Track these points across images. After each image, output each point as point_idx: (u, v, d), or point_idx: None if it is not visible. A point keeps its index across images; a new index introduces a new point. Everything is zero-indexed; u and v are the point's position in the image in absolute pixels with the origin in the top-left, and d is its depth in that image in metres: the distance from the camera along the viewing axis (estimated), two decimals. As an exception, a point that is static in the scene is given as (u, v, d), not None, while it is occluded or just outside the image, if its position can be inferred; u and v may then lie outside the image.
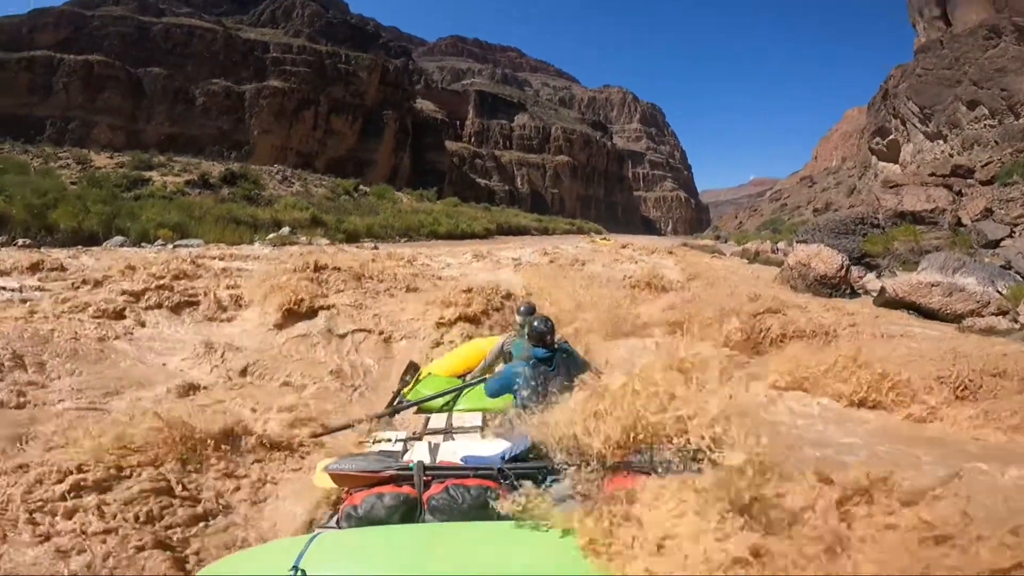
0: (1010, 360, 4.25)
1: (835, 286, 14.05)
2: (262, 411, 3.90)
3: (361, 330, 6.61)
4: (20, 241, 14.65)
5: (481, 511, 1.82)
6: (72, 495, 2.56)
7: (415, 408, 3.78)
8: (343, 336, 6.45)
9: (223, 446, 3.25)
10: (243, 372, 5.31)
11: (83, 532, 2.40)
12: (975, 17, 39.21)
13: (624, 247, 26.37)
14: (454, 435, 2.97)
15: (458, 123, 65.62)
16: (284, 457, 3.38)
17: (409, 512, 1.88)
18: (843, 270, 14.43)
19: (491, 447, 2.32)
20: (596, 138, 72.56)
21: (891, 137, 46.14)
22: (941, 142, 39.49)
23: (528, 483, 1.85)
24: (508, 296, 8.14)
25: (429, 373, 4.42)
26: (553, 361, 3.37)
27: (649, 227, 71.71)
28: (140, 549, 2.39)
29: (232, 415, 3.60)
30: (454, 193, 49.75)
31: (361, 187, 36.65)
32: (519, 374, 3.34)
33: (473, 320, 6.88)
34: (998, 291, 11.40)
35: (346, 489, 2.19)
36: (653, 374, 1.92)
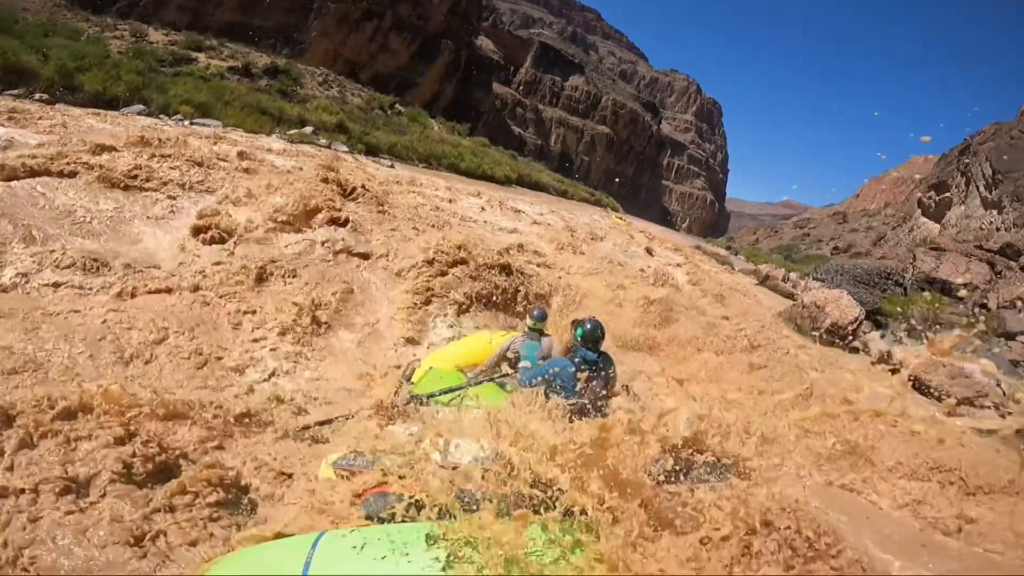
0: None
1: (842, 337, 13.51)
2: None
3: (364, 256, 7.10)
4: (38, 95, 14.37)
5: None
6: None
7: (421, 401, 3.73)
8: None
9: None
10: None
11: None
12: None
13: (641, 232, 25.09)
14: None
15: (512, 68, 65.77)
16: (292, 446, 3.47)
17: (415, 510, 1.85)
18: (856, 324, 13.92)
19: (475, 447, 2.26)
20: (644, 118, 72.19)
21: (946, 195, 44.48)
22: (995, 212, 37.85)
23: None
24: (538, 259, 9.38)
25: (431, 367, 4.55)
26: (598, 366, 3.50)
27: (666, 219, 72.13)
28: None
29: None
30: (487, 134, 50.78)
31: (397, 105, 37.70)
32: (561, 373, 3.40)
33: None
34: (999, 385, 10.67)
35: (354, 489, 2.25)
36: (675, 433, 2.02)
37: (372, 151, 24.53)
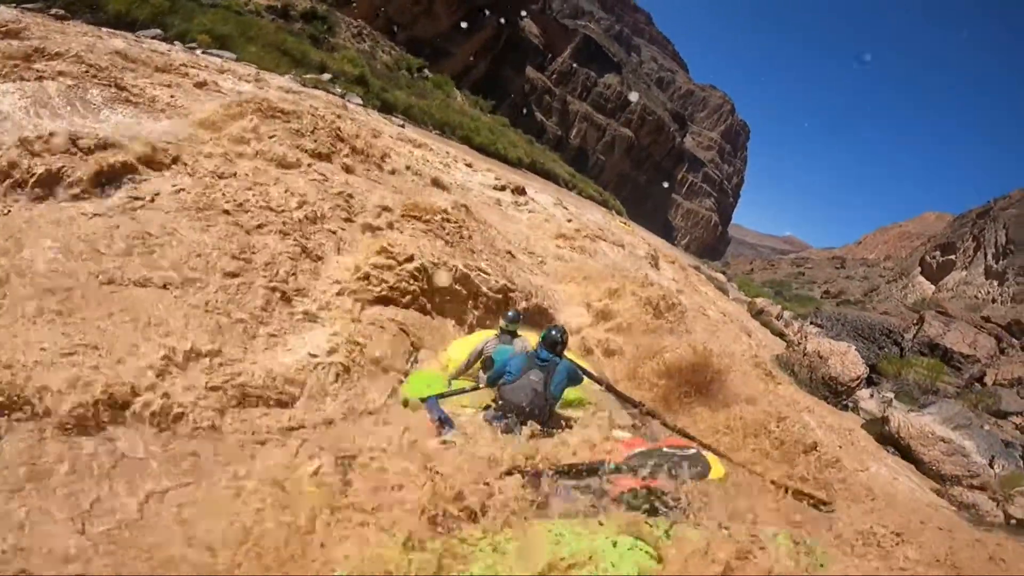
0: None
1: (839, 393, 12.88)
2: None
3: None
4: (54, 10, 13.79)
5: None
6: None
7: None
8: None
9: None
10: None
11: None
12: None
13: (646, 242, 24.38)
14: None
15: (550, 56, 66.45)
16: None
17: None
18: (858, 382, 13.28)
19: None
20: (670, 129, 72.89)
21: (951, 256, 44.35)
22: (995, 283, 37.45)
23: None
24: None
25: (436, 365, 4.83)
26: (547, 367, 3.74)
27: (668, 233, 73.13)
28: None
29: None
30: (509, 115, 51.71)
31: (426, 70, 38.41)
32: (514, 362, 3.81)
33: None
34: (991, 467, 10.82)
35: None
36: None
37: (388, 108, 25.05)
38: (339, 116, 9.91)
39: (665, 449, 2.40)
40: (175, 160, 5.48)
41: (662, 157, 72.16)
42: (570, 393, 4.09)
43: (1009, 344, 22.57)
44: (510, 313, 4.96)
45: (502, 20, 52.62)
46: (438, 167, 13.15)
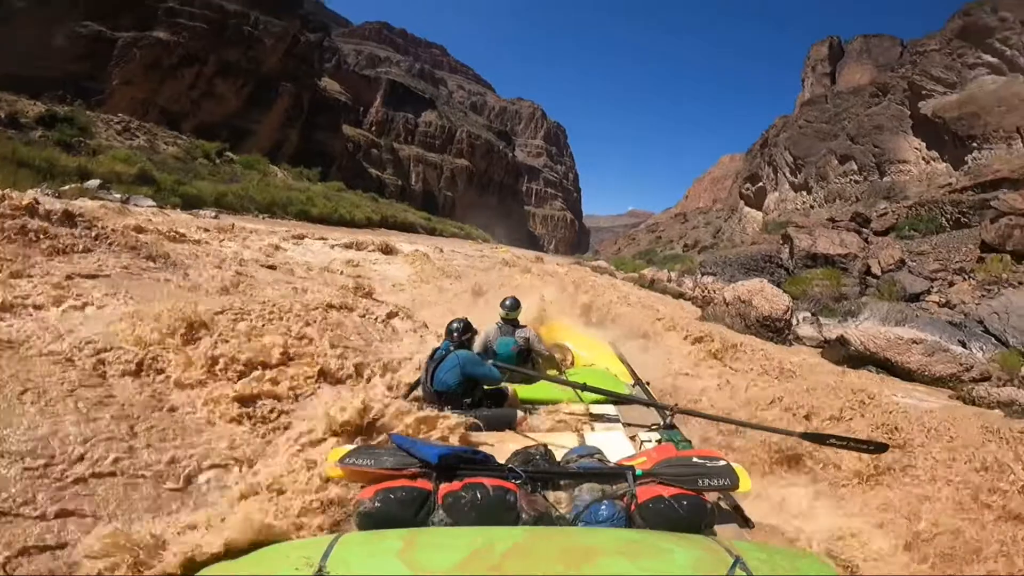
0: None
1: (779, 330, 12.48)
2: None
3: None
4: None
5: (497, 512, 1.78)
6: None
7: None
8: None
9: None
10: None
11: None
12: (857, 78, 43.00)
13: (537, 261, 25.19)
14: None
15: (362, 109, 63.85)
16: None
17: (421, 508, 1.83)
18: (788, 312, 12.84)
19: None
20: (499, 148, 74.00)
21: (760, 184, 49.69)
22: (805, 193, 42.17)
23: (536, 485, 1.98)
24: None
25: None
26: (438, 355, 3.69)
27: (534, 243, 74.09)
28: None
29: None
30: (342, 179, 48.21)
31: (227, 153, 34.08)
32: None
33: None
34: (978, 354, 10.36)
35: (360, 485, 2.13)
36: None
37: (193, 203, 21.44)
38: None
39: (695, 459, 2.17)
40: None
41: (502, 176, 73.02)
42: (536, 391, 3.97)
43: (869, 234, 24.02)
44: (508, 301, 4.67)
45: (292, 86, 49.23)
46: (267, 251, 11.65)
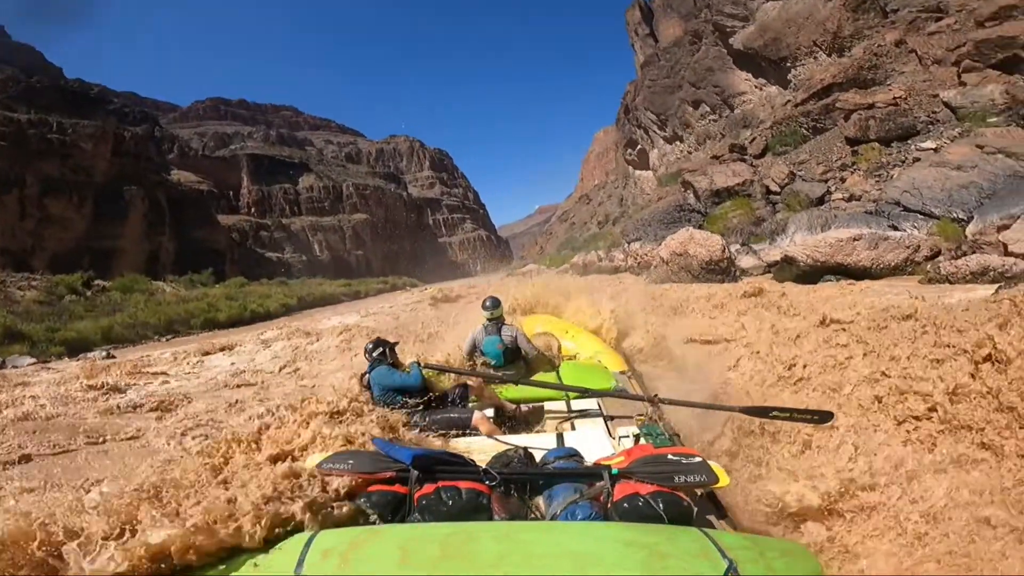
0: None
1: (724, 271, 12.55)
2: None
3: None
4: None
5: (470, 514, 1.79)
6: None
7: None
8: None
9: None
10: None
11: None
12: (673, 31, 45.14)
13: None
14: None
15: (231, 193, 57.76)
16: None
17: (397, 511, 1.84)
18: (724, 250, 12.98)
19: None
20: (391, 190, 70.76)
21: (639, 147, 51.50)
22: (679, 143, 43.88)
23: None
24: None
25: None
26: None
27: (458, 270, 71.54)
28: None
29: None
30: (240, 273, 42.81)
31: (96, 282, 28.61)
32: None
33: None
34: (915, 231, 10.65)
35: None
36: None
37: (80, 347, 17.92)
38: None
39: (671, 457, 2.15)
40: None
41: (404, 217, 69.82)
42: (520, 390, 3.97)
43: (751, 159, 25.82)
44: (488, 301, 4.68)
45: (139, 188, 43.10)
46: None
